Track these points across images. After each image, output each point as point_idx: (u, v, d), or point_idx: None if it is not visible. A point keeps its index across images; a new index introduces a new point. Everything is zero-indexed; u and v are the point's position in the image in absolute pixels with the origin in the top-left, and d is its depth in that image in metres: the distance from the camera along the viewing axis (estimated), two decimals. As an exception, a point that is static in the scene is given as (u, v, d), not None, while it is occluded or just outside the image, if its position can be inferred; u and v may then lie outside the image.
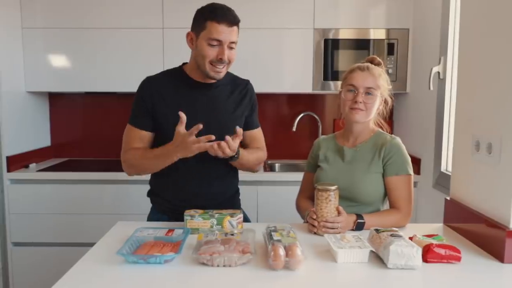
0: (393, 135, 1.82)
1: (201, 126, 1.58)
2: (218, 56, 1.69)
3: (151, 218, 1.91)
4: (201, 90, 1.81)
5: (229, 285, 1.24)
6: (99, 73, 3.05)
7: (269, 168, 3.22)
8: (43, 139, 3.38)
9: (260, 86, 2.96)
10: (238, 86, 1.91)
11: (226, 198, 1.91)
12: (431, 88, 2.49)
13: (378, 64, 1.83)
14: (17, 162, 2.93)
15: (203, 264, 1.34)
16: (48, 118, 3.45)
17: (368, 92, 1.74)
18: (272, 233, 1.44)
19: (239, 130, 1.67)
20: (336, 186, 1.63)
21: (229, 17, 1.68)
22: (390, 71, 2.96)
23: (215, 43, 1.67)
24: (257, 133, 1.99)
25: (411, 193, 1.75)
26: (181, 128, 1.61)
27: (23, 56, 3.02)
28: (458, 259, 1.38)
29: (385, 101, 1.81)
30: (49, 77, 3.05)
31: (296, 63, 3.03)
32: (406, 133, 3.05)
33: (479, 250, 1.50)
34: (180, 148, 1.63)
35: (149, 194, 1.94)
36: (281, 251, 1.30)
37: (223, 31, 1.66)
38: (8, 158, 2.83)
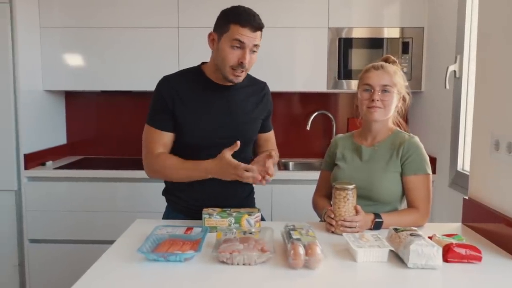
0: (411, 134, 1.81)
1: (238, 144, 1.61)
2: (239, 60, 1.65)
3: (166, 216, 1.92)
4: (220, 92, 1.79)
5: (249, 284, 1.24)
6: (114, 72, 3.07)
7: (283, 167, 3.22)
8: (59, 137, 3.41)
9: (274, 85, 2.96)
10: (256, 88, 1.90)
11: (242, 198, 1.92)
12: (447, 87, 2.47)
13: (393, 63, 1.83)
14: (34, 160, 2.96)
15: (223, 262, 1.35)
16: (64, 116, 3.48)
17: (384, 89, 1.74)
18: (291, 232, 1.44)
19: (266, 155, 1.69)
20: (354, 185, 1.62)
21: (253, 22, 1.64)
22: (404, 69, 2.94)
23: (237, 44, 1.64)
24: (271, 135, 2.01)
25: (429, 192, 1.74)
26: (227, 153, 1.61)
27: (40, 55, 3.05)
28: (479, 259, 1.37)
29: (403, 99, 1.81)
30: (66, 76, 3.08)
31: (310, 62, 3.02)
32: (422, 132, 3.03)
33: (499, 250, 1.49)
34: (218, 171, 1.66)
35: (164, 193, 1.94)
36: (301, 250, 1.30)
37: (246, 35, 1.63)
38: (25, 155, 2.86)
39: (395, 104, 1.78)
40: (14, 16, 2.76)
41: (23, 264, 2.93)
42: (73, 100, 3.48)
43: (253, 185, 2.01)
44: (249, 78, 1.90)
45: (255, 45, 1.68)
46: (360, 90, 1.80)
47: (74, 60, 3.09)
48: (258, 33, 1.67)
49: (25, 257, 2.93)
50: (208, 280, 1.27)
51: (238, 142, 1.61)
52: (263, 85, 1.94)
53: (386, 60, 1.84)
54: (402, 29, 2.97)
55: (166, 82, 1.80)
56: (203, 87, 1.79)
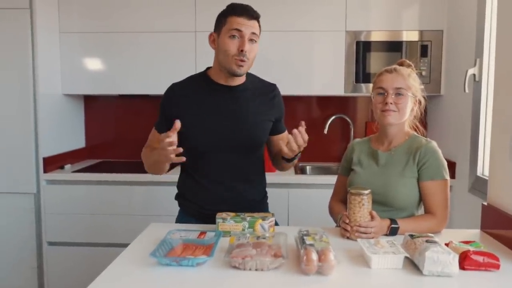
0: (428, 139, 1.78)
1: (178, 125, 1.57)
2: (239, 47, 1.68)
3: (179, 221, 1.92)
4: (226, 93, 1.80)
5: (262, 289, 1.23)
6: (132, 76, 3.09)
7: (300, 171, 3.20)
8: (78, 141, 3.46)
9: (292, 89, 2.99)
10: (265, 90, 1.89)
11: (254, 202, 1.90)
12: (467, 90, 2.42)
13: (408, 66, 1.81)
14: (53, 163, 3.00)
15: (235, 267, 1.34)
16: (83, 120, 3.53)
17: (398, 92, 1.72)
18: (305, 237, 1.43)
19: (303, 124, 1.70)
20: (369, 190, 1.60)
21: (248, 11, 1.69)
22: (423, 73, 2.90)
23: (235, 33, 1.67)
24: (285, 136, 1.98)
25: (447, 198, 1.70)
26: (165, 134, 1.58)
27: (60, 59, 3.10)
28: (497, 267, 1.34)
29: (419, 102, 1.78)
30: (84, 80, 3.12)
31: (328, 65, 3.00)
32: (441, 136, 2.99)
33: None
34: (155, 153, 1.67)
35: (177, 197, 1.95)
36: (314, 256, 1.29)
37: (243, 23, 1.67)
38: (44, 159, 2.90)
39: (409, 107, 1.75)
40: (34, 21, 2.81)
41: (42, 266, 2.97)
42: (92, 104, 3.53)
43: (270, 188, 2.01)
44: (258, 80, 1.91)
45: (253, 33, 1.70)
46: (374, 94, 1.79)
47: (92, 64, 3.13)
48: (255, 22, 1.71)
49: (44, 259, 2.96)
50: (220, 285, 1.26)
51: (178, 121, 1.57)
52: (273, 87, 1.93)
53: (401, 64, 1.82)
54: (421, 32, 2.93)
55: (171, 90, 1.85)
56: (209, 90, 1.80)
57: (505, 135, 1.63)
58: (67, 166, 3.13)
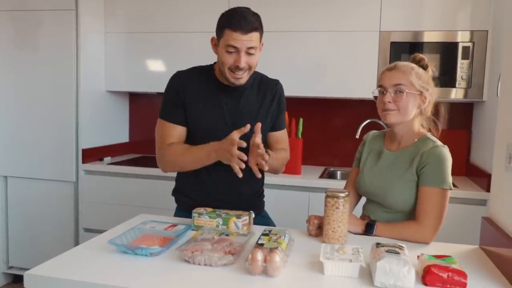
0: (439, 142, 1.65)
1: (248, 127, 1.56)
2: (235, 63, 1.66)
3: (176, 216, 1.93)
4: (229, 92, 1.80)
5: (201, 284, 1.22)
6: (171, 75, 3.18)
7: (328, 175, 3.10)
8: (122, 135, 3.63)
9: (323, 91, 2.90)
10: (267, 87, 1.88)
11: (249, 197, 1.90)
12: (499, 95, 2.21)
13: (419, 61, 1.69)
14: (92, 155, 3.19)
15: (186, 261, 1.34)
16: (128, 115, 3.70)
17: (398, 89, 1.62)
18: (261, 237, 1.39)
19: (257, 126, 1.62)
20: (346, 193, 1.53)
21: (243, 25, 1.62)
22: (463, 76, 2.69)
23: (231, 49, 1.65)
24: (283, 135, 1.95)
25: (437, 208, 1.57)
26: (235, 132, 1.56)
27: (104, 58, 3.28)
28: (463, 285, 1.21)
29: (425, 99, 1.66)
30: (127, 78, 3.28)
31: (360, 67, 2.88)
32: (484, 146, 2.76)
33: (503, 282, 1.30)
34: (218, 146, 1.62)
35: (174, 193, 1.97)
36: (259, 256, 1.25)
37: (238, 38, 1.62)
38: (83, 150, 3.09)
39: (413, 105, 1.64)
40: (79, 22, 3.01)
41: (78, 251, 3.15)
42: (137, 101, 3.69)
43: (264, 188, 1.99)
44: (259, 77, 1.89)
45: (250, 48, 1.66)
46: (376, 93, 1.72)
47: (134, 63, 3.26)
48: (252, 34, 1.65)
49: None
50: (167, 276, 1.26)
51: (248, 126, 1.56)
52: (275, 83, 1.92)
53: (414, 59, 1.71)
54: (462, 33, 2.72)
55: (179, 76, 1.85)
56: (212, 87, 1.81)
57: (505, 143, 1.47)
58: (107, 159, 3.30)
